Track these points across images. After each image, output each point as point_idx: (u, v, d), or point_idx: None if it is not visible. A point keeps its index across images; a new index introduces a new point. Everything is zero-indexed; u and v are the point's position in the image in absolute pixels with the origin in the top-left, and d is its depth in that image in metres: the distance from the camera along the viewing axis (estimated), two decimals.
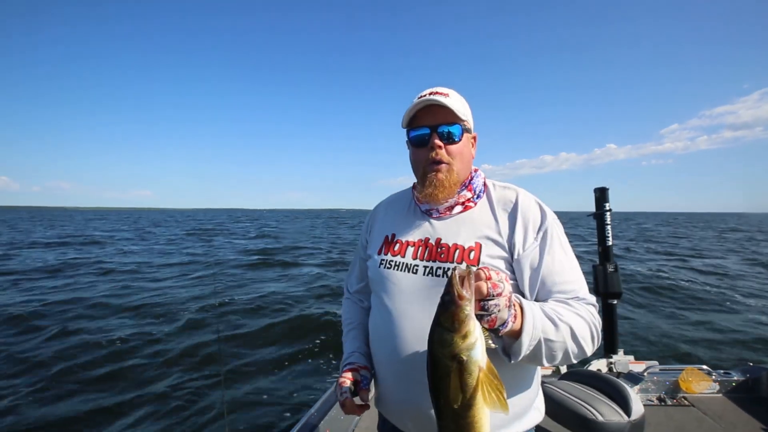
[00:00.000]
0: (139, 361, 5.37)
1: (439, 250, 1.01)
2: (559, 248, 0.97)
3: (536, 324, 0.80)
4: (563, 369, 2.82)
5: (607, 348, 3.02)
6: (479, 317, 0.71)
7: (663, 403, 2.58)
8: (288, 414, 4.03)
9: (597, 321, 0.92)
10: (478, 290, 0.70)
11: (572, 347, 0.86)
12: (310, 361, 5.43)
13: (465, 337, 0.67)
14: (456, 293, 0.67)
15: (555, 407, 1.87)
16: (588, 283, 1.02)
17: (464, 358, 0.67)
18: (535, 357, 0.83)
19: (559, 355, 0.86)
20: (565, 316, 0.86)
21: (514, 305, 0.78)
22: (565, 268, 0.96)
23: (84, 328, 6.59)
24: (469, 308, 0.68)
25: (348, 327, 1.23)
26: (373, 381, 1.12)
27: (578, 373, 2.15)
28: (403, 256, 1.05)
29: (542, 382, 2.10)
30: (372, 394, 1.12)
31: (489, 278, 0.72)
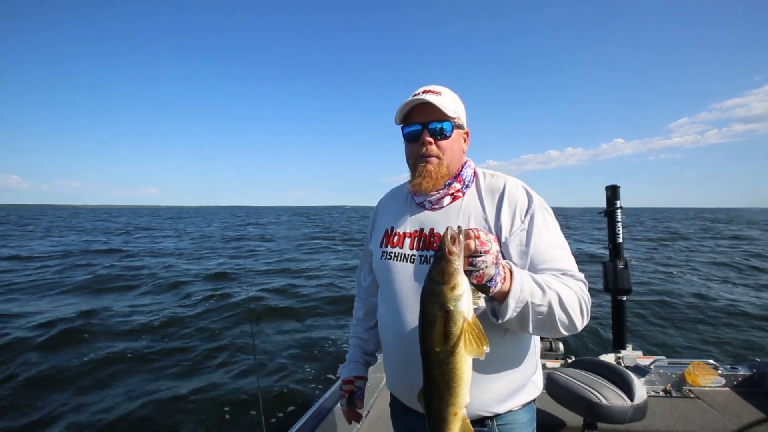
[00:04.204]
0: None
1: (432, 239, 1.07)
2: (546, 230, 1.01)
3: (524, 287, 0.83)
4: (570, 360, 2.85)
5: (616, 343, 3.02)
6: (468, 273, 0.76)
7: (668, 395, 2.59)
8: (317, 387, 4.30)
9: (586, 296, 0.94)
10: (467, 247, 0.75)
11: (560, 315, 0.88)
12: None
13: (453, 288, 0.72)
14: (447, 249, 0.73)
15: (561, 392, 1.91)
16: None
17: (451, 308, 0.73)
18: (522, 320, 0.86)
19: (547, 323, 0.88)
20: (554, 285, 0.89)
21: (504, 268, 0.82)
22: (554, 248, 1.00)
23: None
24: (458, 263, 0.73)
25: (352, 335, 1.41)
26: (383, 365, 1.24)
27: (584, 362, 2.18)
28: (401, 247, 1.12)
29: (550, 370, 2.14)
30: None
31: (477, 237, 0.76)
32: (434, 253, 0.76)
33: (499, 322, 0.86)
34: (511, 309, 0.83)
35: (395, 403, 1.21)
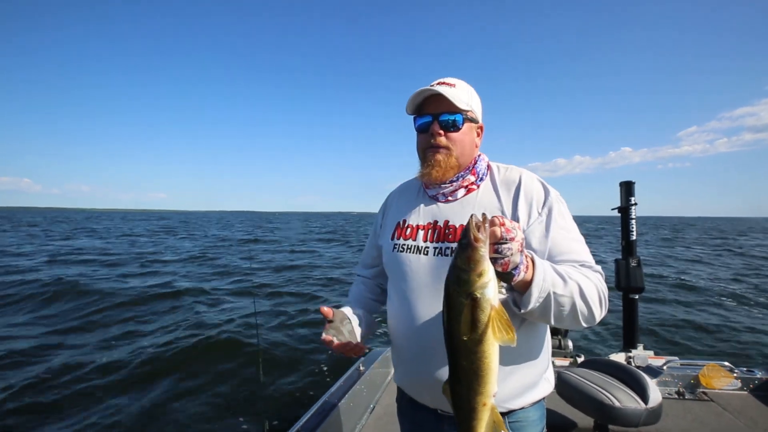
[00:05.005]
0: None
1: (447, 231, 1.06)
2: (563, 223, 1.01)
3: (546, 277, 0.83)
4: (581, 359, 2.81)
5: (627, 342, 2.98)
6: (493, 260, 0.75)
7: (681, 397, 2.54)
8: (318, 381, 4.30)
9: (604, 287, 0.94)
10: (492, 234, 0.74)
11: (581, 306, 0.88)
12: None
13: (480, 275, 0.71)
14: (472, 236, 0.72)
15: (573, 393, 1.88)
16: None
17: (478, 295, 0.71)
18: (544, 311, 0.86)
19: (568, 313, 0.88)
20: (574, 276, 0.89)
21: (526, 257, 0.81)
22: (570, 241, 1.00)
23: None
24: (484, 250, 0.72)
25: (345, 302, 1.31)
26: (389, 360, 1.18)
27: (596, 362, 2.15)
28: (415, 239, 1.11)
29: (559, 368, 2.11)
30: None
31: (503, 224, 0.76)
32: (459, 241, 0.75)
33: (522, 311, 0.85)
34: (534, 298, 0.82)
35: (402, 397, 1.20)
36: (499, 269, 0.76)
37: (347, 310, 1.16)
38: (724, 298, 8.16)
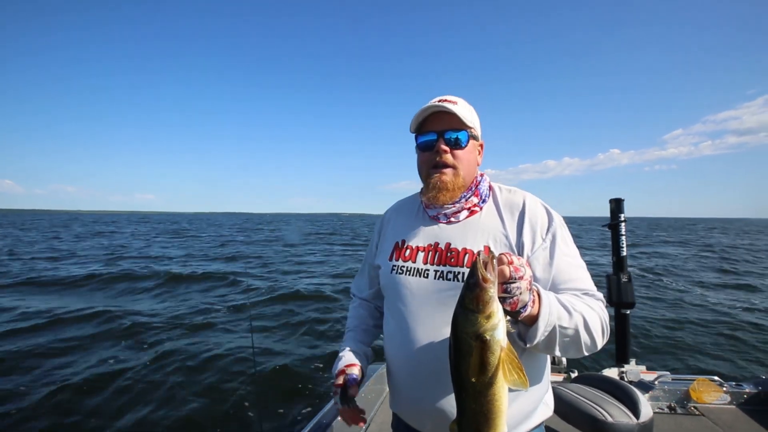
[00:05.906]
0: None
1: (449, 254, 1.04)
2: (567, 249, 1.01)
3: (552, 310, 0.83)
4: (573, 374, 2.82)
5: (619, 357, 2.99)
6: (502, 299, 0.74)
7: (673, 412, 2.56)
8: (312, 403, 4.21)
9: (606, 315, 0.94)
10: (501, 274, 0.74)
11: (584, 337, 0.88)
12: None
13: (489, 317, 0.70)
14: (481, 276, 0.71)
15: (565, 408, 1.89)
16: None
17: (487, 337, 0.70)
18: (550, 344, 0.86)
19: (572, 344, 0.88)
20: (578, 307, 0.89)
21: (532, 291, 0.81)
22: (574, 268, 1.00)
23: None
24: (493, 290, 0.71)
25: (347, 330, 1.28)
26: (387, 382, 1.18)
27: (589, 377, 2.16)
28: (414, 261, 1.08)
29: (554, 385, 2.12)
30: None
31: (511, 263, 0.75)
32: (466, 280, 0.74)
33: (528, 346, 0.85)
34: (540, 333, 0.82)
35: (399, 424, 1.17)
36: (508, 308, 0.76)
37: (353, 352, 1.17)
38: (714, 310, 8.25)
